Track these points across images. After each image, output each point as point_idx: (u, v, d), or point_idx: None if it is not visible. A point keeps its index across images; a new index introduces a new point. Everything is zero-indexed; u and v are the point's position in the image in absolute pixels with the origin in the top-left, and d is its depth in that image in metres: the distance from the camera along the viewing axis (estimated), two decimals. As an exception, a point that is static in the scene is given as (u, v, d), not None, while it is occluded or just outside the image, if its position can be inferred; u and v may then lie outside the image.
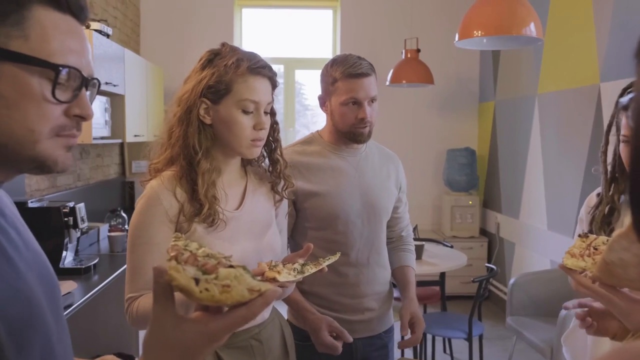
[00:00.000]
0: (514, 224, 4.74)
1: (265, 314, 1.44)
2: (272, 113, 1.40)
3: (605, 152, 1.68)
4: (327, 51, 5.59)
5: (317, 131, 1.86)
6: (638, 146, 0.48)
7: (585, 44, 3.56)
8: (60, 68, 0.68)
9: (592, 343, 1.64)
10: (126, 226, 3.67)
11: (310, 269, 1.18)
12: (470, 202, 5.19)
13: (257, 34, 5.63)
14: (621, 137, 1.58)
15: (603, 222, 1.64)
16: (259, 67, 1.32)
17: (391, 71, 4.40)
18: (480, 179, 5.42)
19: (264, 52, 5.57)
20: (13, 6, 0.66)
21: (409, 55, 4.39)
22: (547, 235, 4.13)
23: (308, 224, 1.74)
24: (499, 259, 5.00)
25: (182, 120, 1.32)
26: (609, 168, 1.67)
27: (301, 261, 1.21)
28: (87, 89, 0.73)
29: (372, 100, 1.73)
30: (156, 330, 0.68)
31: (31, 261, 0.72)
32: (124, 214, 3.80)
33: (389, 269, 1.88)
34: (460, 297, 4.98)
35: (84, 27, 0.75)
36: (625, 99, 1.59)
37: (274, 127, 1.42)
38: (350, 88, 1.69)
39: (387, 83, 4.43)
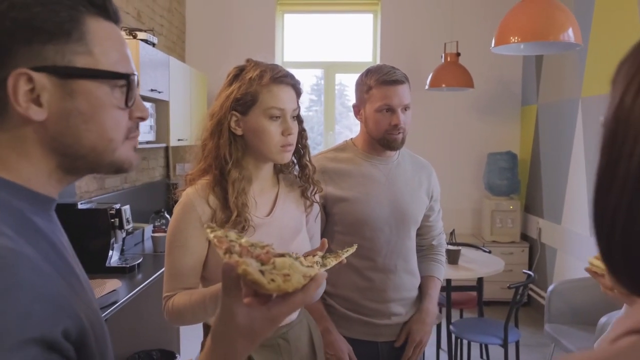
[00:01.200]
0: (556, 230, 4.66)
1: (294, 315, 1.50)
2: (300, 120, 1.46)
3: None
4: (367, 55, 5.63)
5: (351, 139, 1.91)
6: (602, 175, 0.50)
7: (630, 46, 3.48)
8: (131, 76, 0.74)
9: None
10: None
11: (331, 261, 1.23)
12: (511, 207, 5.13)
13: (298, 38, 5.71)
14: None
15: None
16: (281, 77, 1.39)
17: (430, 75, 4.40)
18: (522, 183, 5.34)
19: (305, 56, 5.68)
20: (72, 24, 0.70)
21: (448, 59, 4.38)
22: (590, 241, 4.04)
23: (336, 228, 1.79)
24: (540, 265, 4.92)
25: (214, 134, 1.40)
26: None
27: (320, 254, 1.27)
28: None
29: (406, 108, 1.77)
30: (228, 319, 0.73)
31: (85, 277, 0.79)
32: (167, 215, 3.94)
33: (418, 276, 1.91)
34: (499, 302, 4.92)
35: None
36: None
37: (302, 133, 1.48)
38: (384, 95, 1.74)
39: (427, 87, 4.43)
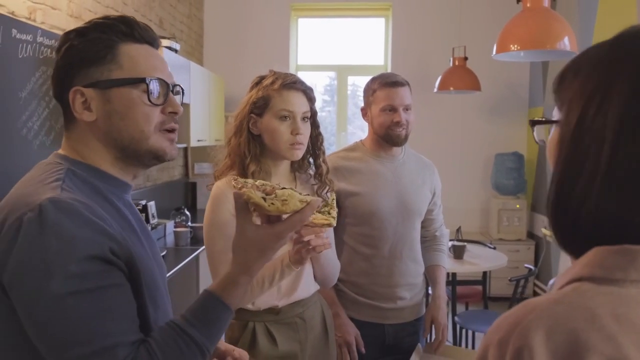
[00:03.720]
0: (560, 228, 4.80)
1: (312, 288, 1.67)
2: (316, 125, 1.65)
3: None
4: (378, 58, 5.81)
5: (361, 140, 2.12)
6: (566, 173, 0.65)
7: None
8: (148, 79, 0.99)
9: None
10: (189, 223, 4.03)
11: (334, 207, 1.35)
12: (518, 206, 5.29)
13: (312, 42, 5.91)
14: None
15: None
16: (290, 83, 1.59)
17: (439, 78, 4.58)
18: (529, 182, 5.49)
19: (318, 59, 5.88)
20: (108, 50, 0.98)
21: (456, 63, 4.56)
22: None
23: (348, 220, 1.98)
24: (545, 262, 5.08)
25: (236, 133, 1.61)
26: None
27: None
28: (173, 93, 1.04)
29: (407, 108, 1.97)
30: (241, 235, 0.97)
31: (154, 250, 1.07)
32: (187, 212, 4.16)
33: (422, 264, 2.11)
34: (506, 298, 5.08)
35: (158, 50, 1.07)
36: None
37: (318, 137, 1.67)
38: (387, 96, 1.96)
39: (435, 90, 4.61)
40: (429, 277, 2.14)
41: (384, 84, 1.97)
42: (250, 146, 1.58)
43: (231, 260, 0.98)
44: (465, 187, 5.53)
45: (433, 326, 2.02)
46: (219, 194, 1.56)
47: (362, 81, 6.03)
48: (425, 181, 2.09)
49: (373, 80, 2.03)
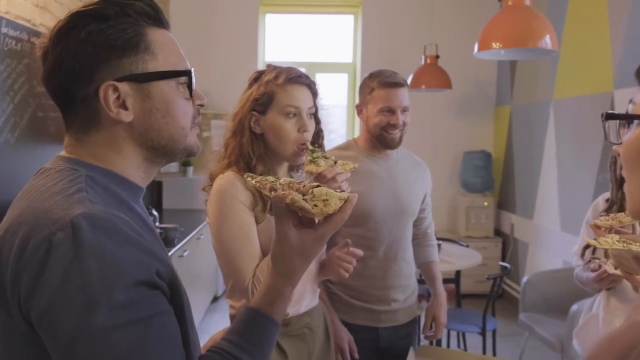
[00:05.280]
0: (528, 225, 4.89)
1: (317, 295, 1.62)
2: (317, 120, 1.57)
3: (614, 162, 1.84)
4: (347, 56, 5.77)
5: (354, 138, 2.05)
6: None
7: (600, 52, 3.70)
8: (190, 72, 0.89)
9: (603, 334, 1.81)
10: (158, 223, 3.88)
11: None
12: (486, 203, 5.34)
13: (280, 38, 5.82)
14: None
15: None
16: (295, 77, 1.50)
17: (411, 76, 4.56)
18: (496, 180, 5.56)
19: (286, 56, 5.79)
20: (139, 37, 0.85)
21: (428, 61, 4.56)
22: (560, 236, 4.27)
23: None
24: (512, 259, 5.15)
25: (236, 133, 1.51)
26: (618, 175, 1.83)
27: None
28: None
29: (405, 109, 1.91)
30: (284, 242, 0.86)
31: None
32: (155, 212, 4.02)
33: (414, 264, 2.07)
34: (474, 295, 5.13)
35: None
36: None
37: (319, 133, 1.60)
38: (386, 97, 1.89)
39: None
40: (425, 274, 2.11)
41: (383, 83, 1.90)
42: (254, 146, 1.50)
43: (270, 269, 0.89)
44: (433, 184, 5.45)
45: (433, 324, 2.02)
46: (227, 186, 1.46)
47: (331, 78, 5.99)
48: (417, 180, 2.05)
49: (371, 77, 1.95)
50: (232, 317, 1.55)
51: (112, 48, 0.83)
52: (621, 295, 1.80)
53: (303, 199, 0.84)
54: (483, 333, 3.39)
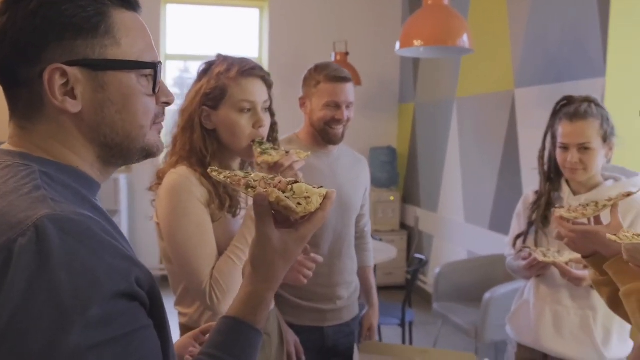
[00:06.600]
0: (432, 218, 5.09)
1: (272, 303, 1.54)
2: (272, 113, 1.50)
3: (542, 156, 1.94)
4: (253, 50, 5.67)
5: (295, 133, 1.99)
6: None
7: (501, 53, 3.92)
8: (157, 65, 0.78)
9: (534, 321, 1.90)
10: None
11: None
12: (392, 198, 5.50)
13: (183, 30, 5.59)
14: (558, 144, 1.84)
15: (543, 215, 1.90)
16: (249, 69, 1.41)
17: (321, 72, 4.57)
18: (401, 175, 5.74)
19: (189, 49, 5.57)
20: (99, 17, 0.74)
21: (338, 58, 4.59)
22: (464, 227, 4.49)
23: None
24: (418, 251, 5.34)
25: (185, 129, 1.40)
26: (546, 169, 1.93)
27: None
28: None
29: (350, 104, 1.88)
30: (265, 244, 0.80)
31: None
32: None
33: (356, 260, 2.05)
34: (382, 288, 5.26)
35: None
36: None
37: (274, 127, 1.52)
38: (332, 91, 1.85)
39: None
40: (361, 281, 2.13)
41: (330, 77, 1.86)
42: (207, 143, 1.40)
43: (249, 274, 0.82)
44: (341, 180, 5.61)
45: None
46: (181, 181, 1.35)
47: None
48: (359, 176, 2.04)
49: (317, 70, 1.90)
50: (182, 326, 1.44)
51: (66, 26, 0.72)
52: (550, 282, 1.90)
53: (286, 197, 0.78)
54: (403, 324, 3.47)
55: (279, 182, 0.81)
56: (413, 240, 5.46)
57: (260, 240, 0.80)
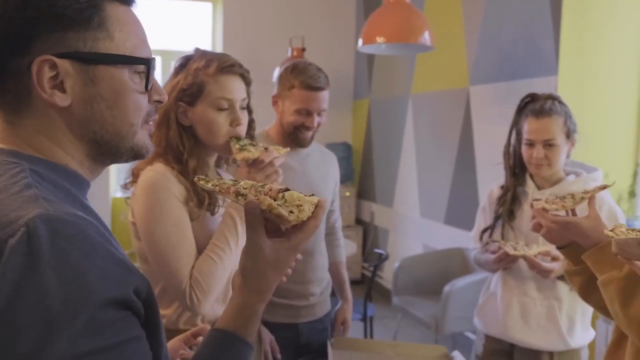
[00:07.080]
0: (388, 213, 5.15)
1: None
2: (249, 110, 1.47)
3: (508, 152, 1.99)
4: (206, 45, 5.56)
5: (266, 130, 1.96)
6: None
7: (456, 51, 4.00)
8: (151, 60, 0.76)
9: (502, 312, 1.95)
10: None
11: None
12: (348, 194, 5.53)
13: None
14: (524, 141, 1.89)
15: (509, 209, 1.95)
16: (228, 66, 1.38)
17: (277, 69, 4.54)
18: (356, 171, 5.78)
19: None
20: (93, 10, 0.72)
21: (295, 54, 4.57)
22: (420, 222, 4.57)
23: None
24: (373, 246, 5.40)
25: (161, 125, 1.36)
26: (511, 164, 1.99)
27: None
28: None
29: (322, 111, 1.89)
30: (257, 255, 0.79)
31: None
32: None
33: (327, 257, 2.06)
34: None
35: None
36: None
37: (251, 124, 1.50)
38: (305, 99, 1.84)
39: (274, 80, 4.56)
40: (334, 277, 2.14)
41: (306, 85, 1.83)
42: (184, 139, 1.36)
43: (240, 286, 0.81)
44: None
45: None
46: (159, 179, 1.31)
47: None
48: (329, 171, 2.04)
49: (294, 73, 1.87)
50: None
51: (58, 17, 0.70)
52: (517, 274, 1.95)
53: (278, 205, 0.77)
54: (364, 319, 3.50)
55: (270, 190, 0.80)
56: (369, 235, 5.51)
57: (251, 250, 0.79)
